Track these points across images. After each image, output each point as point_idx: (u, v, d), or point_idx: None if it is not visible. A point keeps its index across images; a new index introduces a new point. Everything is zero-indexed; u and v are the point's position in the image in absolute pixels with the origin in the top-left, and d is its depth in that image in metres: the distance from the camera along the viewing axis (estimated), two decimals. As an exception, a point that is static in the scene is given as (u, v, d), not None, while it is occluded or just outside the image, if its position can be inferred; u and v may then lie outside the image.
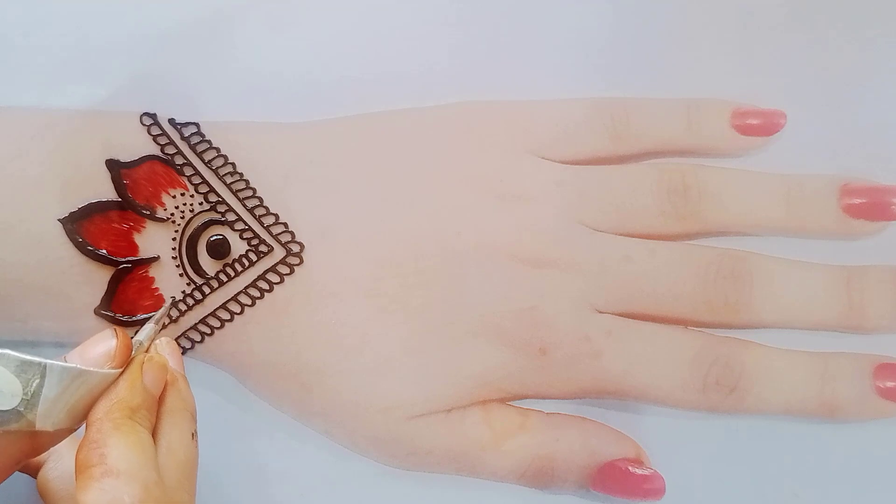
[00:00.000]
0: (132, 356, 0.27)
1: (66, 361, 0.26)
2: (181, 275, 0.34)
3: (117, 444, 0.25)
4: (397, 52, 0.35)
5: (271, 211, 0.34)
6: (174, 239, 0.34)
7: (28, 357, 0.24)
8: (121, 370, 0.27)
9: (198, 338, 0.34)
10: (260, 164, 0.34)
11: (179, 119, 0.34)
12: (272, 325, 0.34)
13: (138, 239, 0.34)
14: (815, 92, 0.36)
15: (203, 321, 0.34)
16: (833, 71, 0.36)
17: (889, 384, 0.34)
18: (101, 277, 0.34)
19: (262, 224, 0.34)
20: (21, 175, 0.33)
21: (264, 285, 0.34)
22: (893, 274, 0.35)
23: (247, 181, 0.34)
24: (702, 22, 0.36)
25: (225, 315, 0.34)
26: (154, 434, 0.27)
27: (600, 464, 0.34)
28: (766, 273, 0.35)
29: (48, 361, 0.25)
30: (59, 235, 0.33)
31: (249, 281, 0.34)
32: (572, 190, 0.35)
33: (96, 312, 0.34)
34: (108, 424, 0.25)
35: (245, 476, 0.35)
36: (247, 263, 0.34)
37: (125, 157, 0.34)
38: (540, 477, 0.34)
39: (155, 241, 0.34)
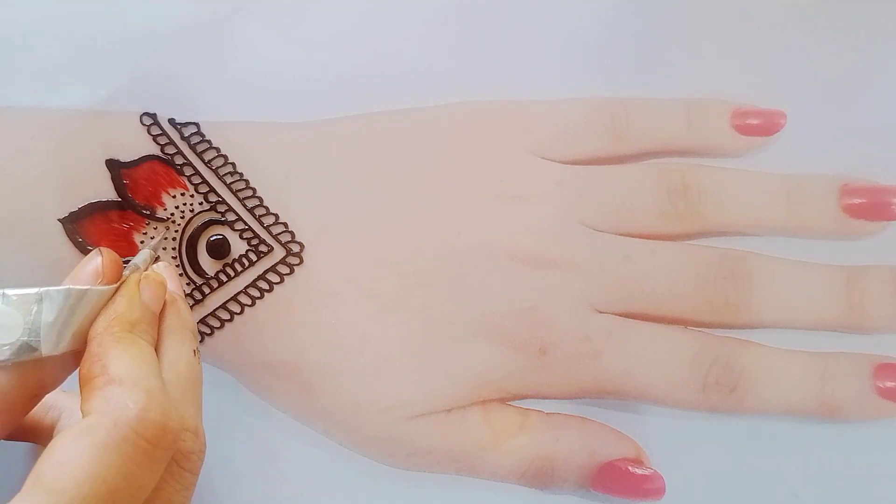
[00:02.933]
0: (126, 275, 0.27)
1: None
2: (181, 275, 0.34)
3: (119, 356, 0.25)
4: (397, 52, 0.35)
5: (271, 211, 0.34)
6: (174, 239, 0.34)
7: (24, 290, 0.25)
8: (117, 285, 0.26)
9: (198, 338, 0.34)
10: (260, 164, 0.34)
11: (179, 119, 0.34)
12: (272, 325, 0.34)
13: (138, 239, 0.34)
14: (815, 92, 0.36)
15: (203, 321, 0.34)
16: (833, 71, 0.36)
17: (889, 384, 0.34)
18: (101, 277, 0.34)
19: (262, 224, 0.34)
20: (21, 175, 0.33)
21: (264, 285, 0.34)
22: (893, 274, 0.35)
23: (247, 181, 0.34)
24: (702, 22, 0.36)
25: (225, 315, 0.34)
26: (156, 350, 0.26)
27: (600, 464, 0.34)
28: (767, 273, 0.35)
29: (43, 288, 0.25)
30: (59, 235, 0.33)
31: (249, 281, 0.34)
32: (572, 190, 0.35)
33: (96, 312, 0.34)
34: (109, 338, 0.25)
35: (245, 476, 0.35)
36: (247, 263, 0.34)
37: (125, 157, 0.34)
38: (540, 477, 0.34)
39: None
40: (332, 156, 0.35)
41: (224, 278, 0.34)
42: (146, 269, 0.29)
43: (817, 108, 0.36)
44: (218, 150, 0.34)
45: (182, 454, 0.25)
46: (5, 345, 0.24)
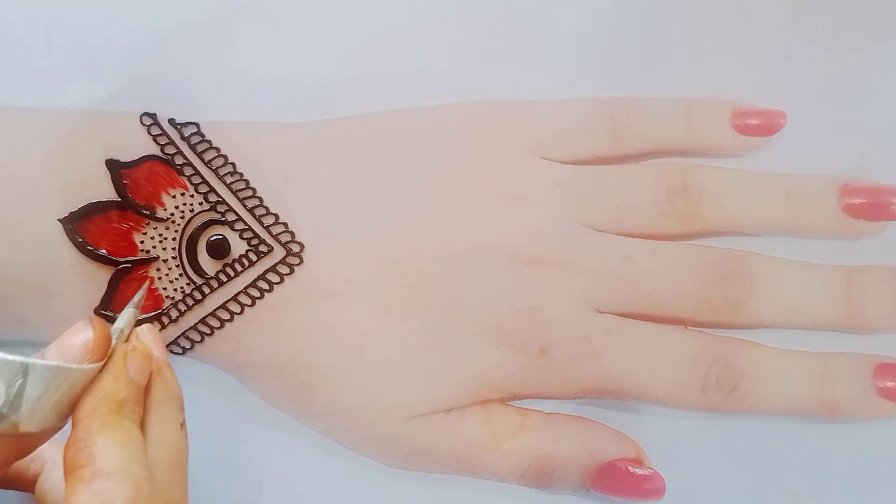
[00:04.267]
0: (113, 346, 0.26)
1: (44, 357, 0.25)
2: (181, 275, 0.34)
3: (106, 443, 0.24)
4: (397, 52, 0.35)
5: (271, 211, 0.34)
6: (174, 239, 0.34)
7: (9, 356, 0.24)
8: (103, 363, 0.26)
9: (198, 338, 0.34)
10: (260, 164, 0.34)
11: (179, 119, 0.34)
12: (272, 325, 0.34)
13: (138, 239, 0.34)
14: (815, 92, 0.36)
15: (203, 321, 0.34)
16: (833, 71, 0.36)
17: (889, 384, 0.34)
18: (100, 277, 0.34)
19: (262, 224, 0.34)
20: (21, 175, 0.33)
21: (264, 285, 0.34)
22: (893, 274, 0.35)
23: (247, 181, 0.34)
24: (702, 22, 0.36)
25: (225, 315, 0.34)
26: (142, 426, 0.26)
27: (600, 464, 0.34)
28: (766, 273, 0.35)
29: (30, 360, 0.24)
30: (59, 235, 0.33)
31: (249, 281, 0.34)
32: (572, 190, 0.35)
33: (96, 312, 0.34)
34: (96, 422, 0.25)
35: (245, 476, 0.35)
36: (247, 263, 0.34)
37: (125, 157, 0.34)
38: (540, 477, 0.34)
39: (155, 241, 0.34)
40: (332, 156, 0.35)
41: (224, 278, 0.34)
42: (130, 333, 0.28)
43: (817, 108, 0.36)
44: (218, 150, 0.34)
45: None
46: None
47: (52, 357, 0.25)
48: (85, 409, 0.25)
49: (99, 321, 0.26)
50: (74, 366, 0.25)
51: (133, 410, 0.26)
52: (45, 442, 0.26)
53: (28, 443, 0.26)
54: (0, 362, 0.23)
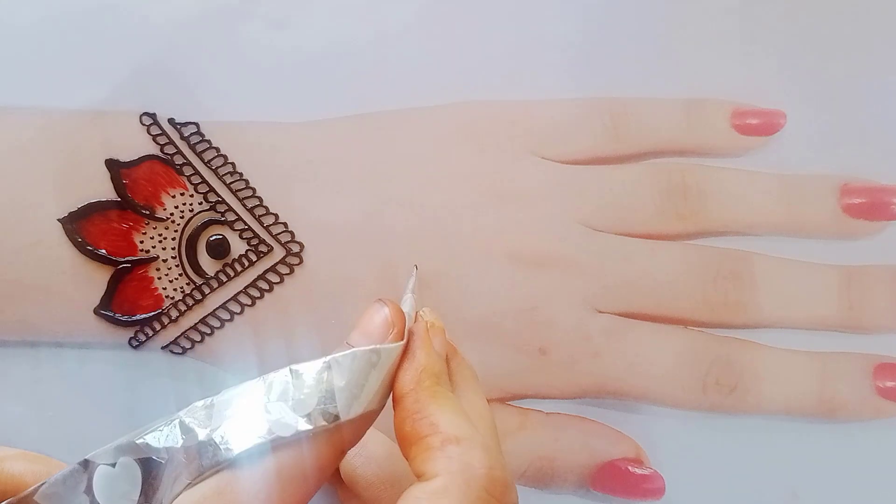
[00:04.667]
0: (408, 327, 0.27)
1: (348, 346, 0.25)
2: (181, 275, 0.34)
3: (442, 412, 0.24)
4: (397, 52, 0.35)
5: (271, 211, 0.34)
6: (174, 239, 0.34)
7: (311, 363, 0.24)
8: (404, 341, 0.26)
9: (198, 338, 0.34)
10: (260, 164, 0.34)
11: (179, 119, 0.34)
12: (272, 325, 0.34)
13: (138, 239, 0.34)
14: (815, 92, 0.36)
15: (203, 321, 0.34)
16: (833, 71, 0.36)
17: (889, 384, 0.34)
18: (100, 277, 0.34)
19: (261, 224, 0.34)
20: (21, 175, 0.33)
21: (264, 285, 0.34)
22: (893, 274, 0.35)
23: (246, 181, 0.34)
24: (702, 22, 0.36)
25: (225, 315, 0.34)
26: None
27: (600, 464, 0.34)
28: (766, 273, 0.35)
29: (330, 356, 0.24)
30: (58, 235, 0.33)
31: (249, 281, 0.34)
32: (572, 190, 0.35)
33: (96, 312, 0.34)
34: (424, 394, 0.25)
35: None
36: (247, 263, 0.34)
37: (125, 157, 0.34)
38: (540, 477, 0.34)
39: (155, 241, 0.34)
40: (332, 156, 0.35)
41: (224, 278, 0.34)
42: (416, 315, 0.28)
43: (817, 108, 0.36)
44: (218, 150, 0.34)
45: None
46: (303, 416, 0.24)
47: (358, 342, 0.26)
48: (409, 384, 0.25)
49: (389, 300, 0.27)
50: (371, 347, 0.25)
51: (447, 383, 0.26)
52: (365, 430, 0.26)
53: (350, 430, 0.25)
54: (304, 369, 0.24)
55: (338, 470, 0.29)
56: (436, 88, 0.35)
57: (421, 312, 0.28)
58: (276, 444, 0.23)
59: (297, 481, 0.24)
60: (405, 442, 0.24)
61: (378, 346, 0.25)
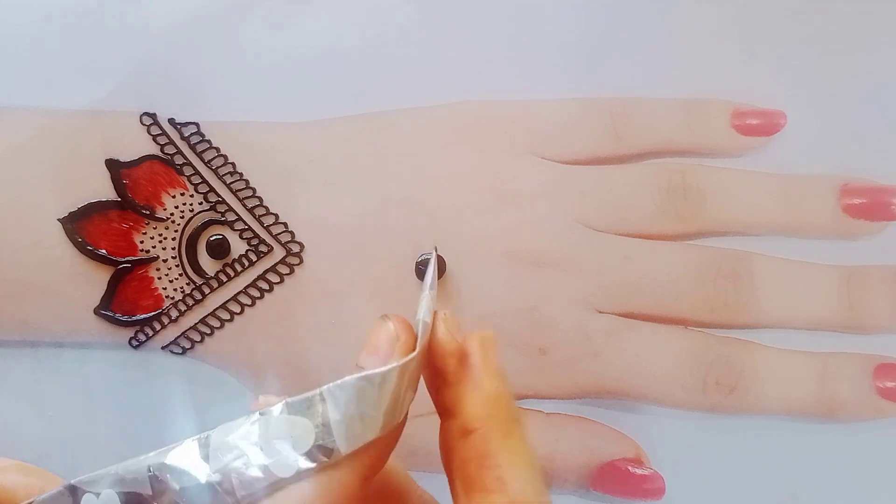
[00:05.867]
0: (426, 323, 0.25)
1: (358, 368, 0.23)
2: (181, 275, 0.34)
3: (513, 464, 0.22)
4: (397, 52, 0.35)
5: (271, 211, 0.34)
6: (174, 239, 0.34)
7: (303, 396, 0.23)
8: (416, 352, 0.23)
9: (198, 338, 0.34)
10: (260, 164, 0.34)
11: (179, 119, 0.34)
12: (272, 325, 0.34)
13: (138, 239, 0.34)
14: (815, 92, 0.36)
15: (203, 321, 0.34)
16: (833, 71, 0.36)
17: (889, 384, 0.34)
18: (100, 277, 0.34)
19: (261, 224, 0.34)
20: (21, 175, 0.33)
21: (264, 285, 0.34)
22: (893, 274, 0.35)
23: (247, 181, 0.34)
24: (701, 22, 0.36)
25: (225, 315, 0.34)
26: None
27: (600, 464, 0.34)
28: (766, 273, 0.35)
29: (325, 387, 0.23)
30: (58, 235, 0.33)
31: (249, 281, 0.34)
32: (572, 190, 0.35)
33: (96, 312, 0.34)
34: (496, 434, 0.22)
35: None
36: (247, 263, 0.34)
37: (125, 157, 0.34)
38: (540, 477, 0.34)
39: (155, 241, 0.34)
40: (332, 156, 0.35)
41: (224, 278, 0.34)
42: (434, 316, 0.25)
43: (817, 108, 0.36)
44: (218, 149, 0.34)
45: None
46: (303, 454, 0.22)
47: (366, 362, 0.24)
48: (478, 413, 0.23)
49: (394, 315, 0.24)
50: (374, 371, 0.23)
51: (520, 417, 0.23)
52: (394, 445, 0.24)
53: (381, 450, 0.23)
54: (300, 402, 0.23)
55: None
56: (436, 88, 0.35)
57: (443, 316, 0.25)
58: (280, 485, 0.22)
59: None
60: (465, 483, 0.22)
61: (378, 370, 0.23)
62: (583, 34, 0.36)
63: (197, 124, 0.34)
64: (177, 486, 0.23)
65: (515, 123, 0.35)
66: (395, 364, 0.23)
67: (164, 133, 0.34)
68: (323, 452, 0.23)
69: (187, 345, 0.34)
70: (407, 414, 0.24)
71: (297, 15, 0.35)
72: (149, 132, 0.34)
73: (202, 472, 0.23)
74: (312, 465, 0.22)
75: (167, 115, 0.34)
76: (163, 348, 0.34)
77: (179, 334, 0.34)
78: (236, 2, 0.35)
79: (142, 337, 0.34)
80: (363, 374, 0.23)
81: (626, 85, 0.36)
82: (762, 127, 0.36)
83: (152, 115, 0.34)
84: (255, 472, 0.23)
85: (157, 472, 0.23)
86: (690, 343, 0.35)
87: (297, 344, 0.34)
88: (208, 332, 0.34)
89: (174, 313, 0.34)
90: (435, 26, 0.36)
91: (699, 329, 0.35)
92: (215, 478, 0.23)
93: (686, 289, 0.35)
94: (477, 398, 0.23)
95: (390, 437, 0.23)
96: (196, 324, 0.34)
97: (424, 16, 0.36)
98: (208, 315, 0.34)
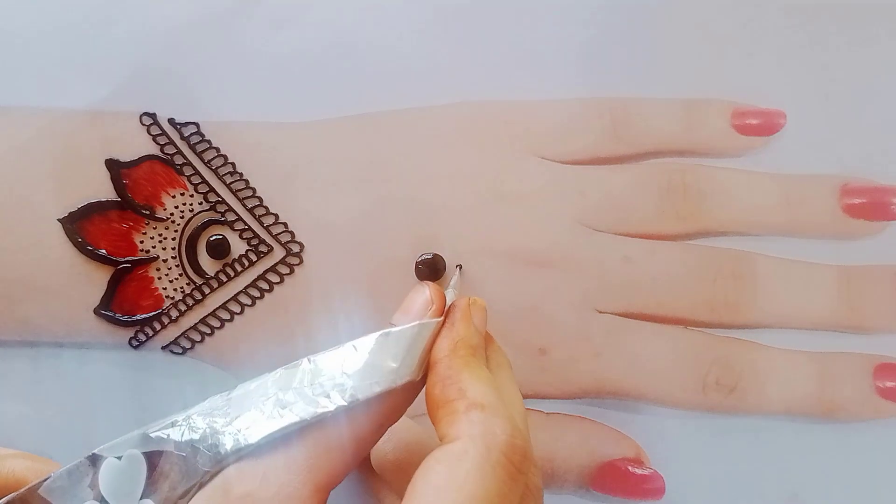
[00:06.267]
0: (455, 301, 0.28)
1: (392, 325, 0.26)
2: (181, 275, 0.34)
3: (472, 380, 0.25)
4: (397, 52, 0.35)
5: (271, 211, 0.34)
6: (174, 239, 0.34)
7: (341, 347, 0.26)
8: (443, 318, 0.27)
9: (198, 338, 0.34)
10: (260, 164, 0.34)
11: (179, 119, 0.34)
12: (272, 325, 0.34)
13: (138, 239, 0.34)
14: (815, 92, 0.36)
15: (203, 321, 0.34)
16: (833, 71, 0.36)
17: (889, 384, 0.34)
18: (100, 277, 0.34)
19: (261, 224, 0.34)
20: (21, 175, 0.33)
21: (264, 285, 0.34)
22: (893, 274, 0.35)
23: (246, 181, 0.34)
24: (702, 22, 0.36)
25: (225, 315, 0.34)
26: None
27: (600, 464, 0.34)
28: (767, 273, 0.35)
29: (385, 330, 0.26)
30: (58, 235, 0.33)
31: (249, 281, 0.34)
32: (572, 190, 0.35)
33: (96, 312, 0.34)
34: (457, 361, 0.25)
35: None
36: (247, 263, 0.34)
37: (125, 157, 0.34)
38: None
39: (155, 241, 0.34)
40: (332, 156, 0.35)
41: (224, 278, 0.34)
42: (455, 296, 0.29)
43: (817, 108, 0.36)
44: (218, 150, 0.34)
45: (534, 488, 0.25)
46: (322, 396, 0.25)
47: (399, 321, 0.27)
48: (444, 350, 0.26)
49: (431, 283, 0.28)
50: (425, 320, 0.26)
51: (483, 357, 0.26)
52: (409, 404, 0.26)
53: (398, 402, 0.26)
54: (327, 354, 0.25)
55: (368, 458, 0.29)
56: (436, 88, 0.35)
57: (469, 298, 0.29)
58: (302, 427, 0.24)
59: (333, 456, 0.24)
60: (433, 405, 0.25)
61: (426, 320, 0.26)
62: (583, 34, 0.36)
63: (197, 124, 0.34)
64: (197, 436, 0.24)
65: (515, 123, 0.35)
66: (418, 322, 0.26)
67: (163, 133, 0.34)
68: (342, 396, 0.24)
69: (187, 345, 0.34)
70: (426, 376, 0.26)
71: (297, 15, 0.35)
72: (149, 132, 0.34)
73: (221, 421, 0.25)
74: (331, 408, 0.24)
75: (167, 115, 0.34)
76: (163, 348, 0.34)
77: (179, 334, 0.34)
78: (236, 2, 0.35)
79: (142, 337, 0.34)
80: (391, 329, 0.26)
81: (626, 85, 0.36)
82: (762, 127, 0.36)
83: (152, 115, 0.34)
84: (273, 416, 0.24)
85: (181, 426, 0.25)
86: (690, 343, 0.35)
87: (298, 344, 0.34)
88: (208, 332, 0.34)
89: (174, 313, 0.34)
90: (435, 26, 0.36)
91: (699, 329, 0.35)
92: (233, 426, 0.24)
93: (686, 289, 0.35)
94: (446, 336, 0.26)
95: (408, 390, 0.26)
96: (196, 324, 0.34)
97: (425, 16, 0.36)
98: (208, 315, 0.34)
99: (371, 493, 0.29)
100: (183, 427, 0.25)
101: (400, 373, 0.25)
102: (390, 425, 0.26)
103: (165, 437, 0.25)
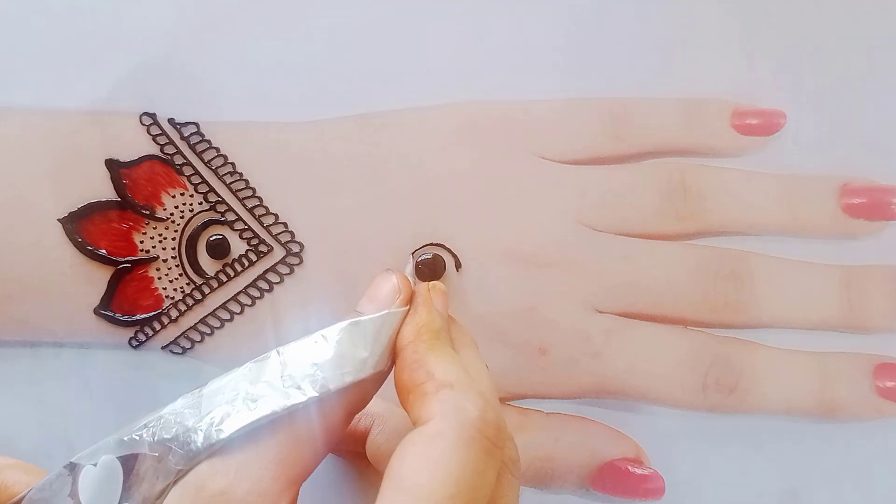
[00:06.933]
0: (416, 288, 0.28)
1: (359, 314, 0.27)
2: (181, 275, 0.34)
3: (439, 361, 0.25)
4: (397, 52, 0.35)
5: (271, 211, 0.34)
6: (174, 239, 0.34)
7: (307, 338, 0.26)
8: (408, 307, 0.27)
9: (198, 338, 0.34)
10: (260, 164, 0.34)
11: (179, 119, 0.34)
12: (272, 325, 0.34)
13: (138, 239, 0.34)
14: (815, 92, 0.36)
15: (203, 321, 0.34)
16: (833, 71, 0.36)
17: (889, 384, 0.34)
18: (100, 277, 0.34)
19: (261, 224, 0.34)
20: (21, 175, 0.33)
21: (264, 285, 0.34)
22: (893, 274, 0.35)
23: (246, 181, 0.34)
24: (702, 22, 0.36)
25: (225, 315, 0.34)
26: None
27: (600, 464, 0.34)
28: (766, 273, 0.35)
29: (354, 319, 0.26)
30: (58, 235, 0.33)
31: (249, 281, 0.34)
32: (572, 190, 0.35)
33: (96, 312, 0.34)
34: (422, 346, 0.26)
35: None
36: (247, 263, 0.34)
37: (125, 157, 0.34)
38: (540, 477, 0.34)
39: (155, 240, 0.34)
40: (332, 156, 0.35)
41: (224, 278, 0.34)
42: (414, 280, 0.29)
43: (817, 108, 0.36)
44: (218, 150, 0.34)
45: (511, 461, 0.25)
46: (295, 388, 0.25)
47: (365, 309, 0.27)
48: (408, 337, 0.26)
49: (397, 270, 0.28)
50: (394, 309, 0.27)
51: (447, 339, 0.27)
52: (378, 389, 0.27)
53: (366, 390, 0.26)
54: (296, 343, 0.25)
55: (363, 450, 0.29)
56: (436, 88, 0.35)
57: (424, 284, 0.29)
58: (273, 419, 0.24)
59: (304, 449, 0.24)
60: (403, 391, 0.25)
61: (391, 310, 0.26)
62: (583, 34, 0.36)
63: (197, 124, 0.34)
64: (170, 435, 0.24)
65: (515, 123, 0.35)
66: (387, 311, 0.26)
67: (163, 133, 0.34)
68: (313, 387, 0.24)
69: (187, 345, 0.34)
70: (393, 364, 0.26)
71: (297, 15, 0.35)
72: (148, 132, 0.34)
73: (193, 419, 0.24)
74: (302, 399, 0.24)
75: (167, 115, 0.34)
76: (163, 348, 0.34)
77: (179, 334, 0.34)
78: (236, 2, 0.35)
79: (142, 337, 0.34)
80: (359, 318, 0.26)
81: (627, 85, 0.36)
82: (762, 127, 0.36)
83: (152, 115, 0.34)
84: (244, 410, 0.24)
85: (153, 427, 0.25)
86: (690, 343, 0.35)
87: (297, 344, 0.34)
88: (208, 332, 0.34)
89: (174, 313, 0.34)
90: (435, 26, 0.36)
91: (699, 329, 0.35)
92: (205, 421, 0.24)
93: (686, 289, 0.35)
94: (409, 322, 0.27)
95: (376, 379, 0.26)
96: (196, 324, 0.34)
97: (424, 16, 0.36)
98: (208, 315, 0.34)
99: (367, 483, 0.29)
100: (155, 427, 0.25)
101: (370, 362, 0.25)
102: (357, 413, 0.26)
103: (139, 438, 0.25)
